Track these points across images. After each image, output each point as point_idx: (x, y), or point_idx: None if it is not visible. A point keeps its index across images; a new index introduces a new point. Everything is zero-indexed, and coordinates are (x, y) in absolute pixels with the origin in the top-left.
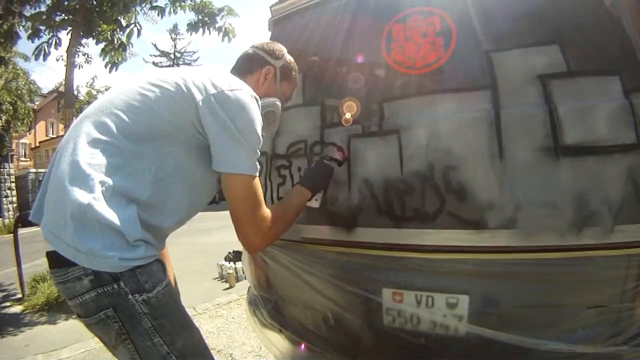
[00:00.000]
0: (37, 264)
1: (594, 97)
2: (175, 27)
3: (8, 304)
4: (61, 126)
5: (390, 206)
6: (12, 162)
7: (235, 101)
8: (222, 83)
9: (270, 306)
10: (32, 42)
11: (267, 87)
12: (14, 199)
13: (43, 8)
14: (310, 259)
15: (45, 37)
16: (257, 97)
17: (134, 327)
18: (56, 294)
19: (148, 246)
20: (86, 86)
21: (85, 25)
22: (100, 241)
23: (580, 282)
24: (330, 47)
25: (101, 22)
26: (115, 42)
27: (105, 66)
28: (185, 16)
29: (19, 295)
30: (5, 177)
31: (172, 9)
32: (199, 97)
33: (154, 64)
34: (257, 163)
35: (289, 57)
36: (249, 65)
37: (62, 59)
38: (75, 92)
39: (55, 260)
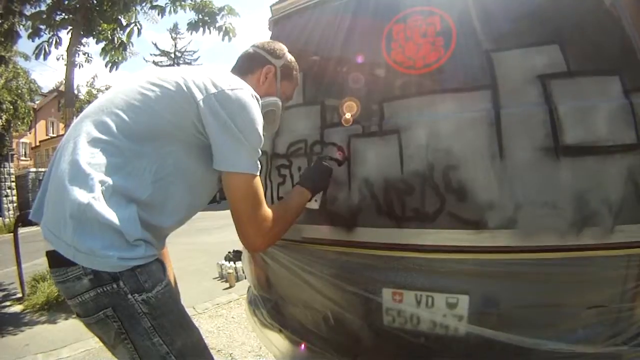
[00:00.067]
0: (37, 263)
1: (594, 97)
2: (175, 26)
3: (8, 303)
4: (61, 125)
5: (390, 206)
6: (12, 161)
7: (235, 100)
8: (222, 82)
9: (270, 306)
10: (33, 41)
11: (267, 87)
12: (14, 198)
13: (43, 7)
14: (311, 258)
15: (45, 36)
16: (258, 96)
17: (134, 327)
18: (56, 294)
19: (148, 246)
20: (86, 85)
21: (86, 24)
22: (99, 241)
23: (580, 282)
24: (330, 46)
25: (101, 22)
26: (116, 42)
27: (106, 65)
28: (186, 15)
29: (19, 295)
30: (6, 176)
31: (172, 8)
32: (199, 96)
33: (154, 63)
34: (258, 162)
35: (289, 57)
36: (249, 65)
37: (63, 58)
38: (76, 92)
39: (55, 259)
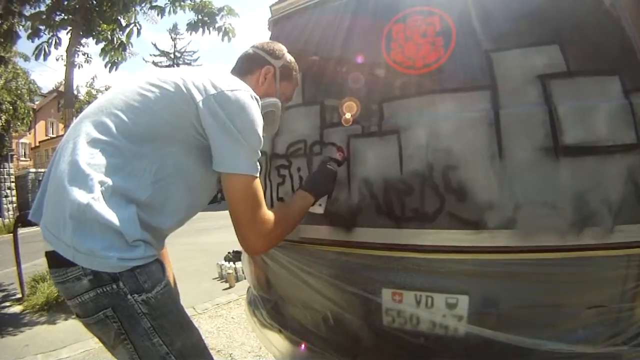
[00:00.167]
0: (36, 264)
1: (594, 97)
2: (175, 26)
3: (8, 303)
4: (61, 126)
5: (389, 206)
6: (12, 161)
7: (235, 101)
8: (221, 83)
9: (270, 306)
10: (32, 41)
11: (266, 87)
12: (14, 198)
13: (43, 8)
14: (310, 259)
15: (45, 37)
16: (257, 97)
17: (133, 327)
18: (56, 294)
19: (147, 246)
20: (86, 86)
21: (85, 24)
22: (99, 241)
23: (580, 282)
24: (330, 47)
25: (101, 22)
26: (115, 42)
27: (105, 66)
28: (185, 16)
29: (19, 295)
30: (5, 176)
31: (171, 8)
32: (198, 97)
33: (154, 63)
34: (258, 164)
35: (289, 57)
36: (249, 65)
37: (62, 59)
38: (75, 92)
39: (55, 260)
